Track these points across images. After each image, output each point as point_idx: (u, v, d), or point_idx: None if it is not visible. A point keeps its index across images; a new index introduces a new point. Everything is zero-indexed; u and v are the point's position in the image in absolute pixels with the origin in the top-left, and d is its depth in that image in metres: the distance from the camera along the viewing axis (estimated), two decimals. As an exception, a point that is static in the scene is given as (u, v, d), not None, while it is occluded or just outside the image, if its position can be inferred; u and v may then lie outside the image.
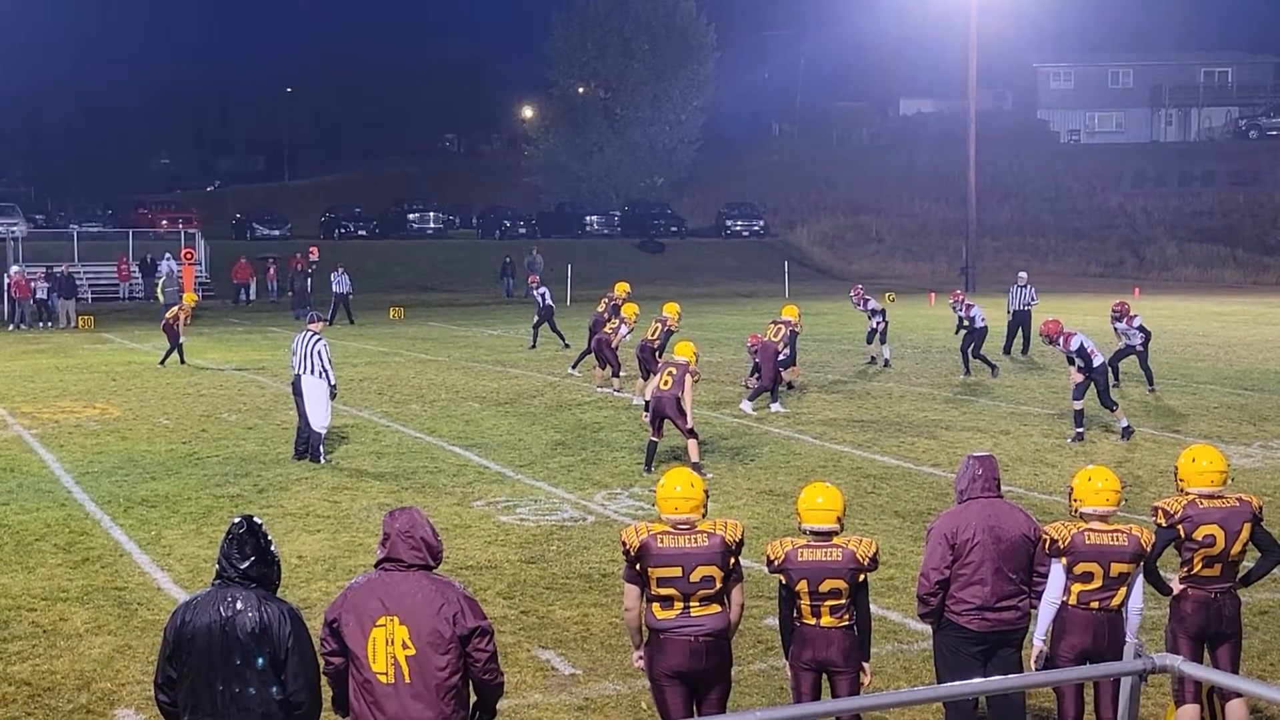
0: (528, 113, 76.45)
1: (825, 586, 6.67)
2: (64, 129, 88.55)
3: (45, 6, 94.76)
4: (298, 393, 15.96)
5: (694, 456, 14.81)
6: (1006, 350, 26.87)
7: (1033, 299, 27.43)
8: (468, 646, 5.54)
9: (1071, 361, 16.91)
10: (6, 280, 39.53)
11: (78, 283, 41.59)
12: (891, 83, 78.58)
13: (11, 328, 37.30)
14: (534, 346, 28.62)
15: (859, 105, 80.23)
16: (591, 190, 68.46)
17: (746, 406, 19.65)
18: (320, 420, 15.90)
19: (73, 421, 19.10)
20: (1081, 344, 16.68)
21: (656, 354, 20.09)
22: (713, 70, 70.79)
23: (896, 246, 62.43)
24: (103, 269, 47.81)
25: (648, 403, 15.40)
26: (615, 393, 21.56)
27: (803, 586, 6.70)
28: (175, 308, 27.48)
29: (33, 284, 38.98)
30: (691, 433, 14.94)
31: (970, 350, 24.17)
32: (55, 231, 53.67)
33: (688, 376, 14.93)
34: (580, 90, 71.27)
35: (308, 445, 15.89)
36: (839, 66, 76.01)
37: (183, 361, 26.28)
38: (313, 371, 15.85)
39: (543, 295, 29.05)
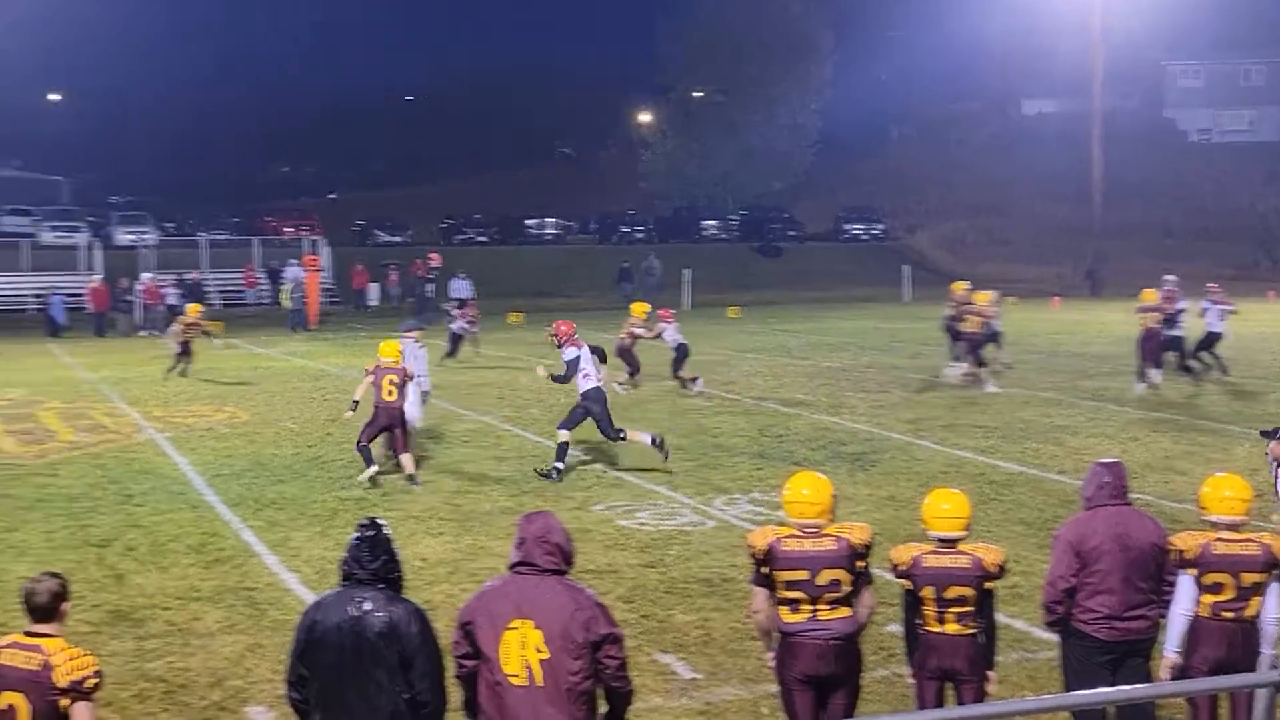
0: (644, 118, 76.61)
1: (951, 593, 6.60)
2: (193, 139, 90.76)
3: (177, 22, 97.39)
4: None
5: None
6: (1194, 358, 23.70)
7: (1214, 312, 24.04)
8: (599, 653, 5.55)
9: None
10: (138, 287, 40.65)
11: (205, 289, 42.63)
12: (1012, 83, 77.37)
13: (143, 333, 38.33)
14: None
15: (978, 106, 79.09)
16: (708, 195, 68.37)
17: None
18: (413, 416, 16.14)
19: (203, 425, 19.57)
20: None
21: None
22: (829, 73, 70.30)
23: (1020, 250, 61.41)
24: (230, 276, 48.92)
25: None
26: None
27: (928, 593, 6.63)
28: (183, 320, 26.82)
29: (163, 291, 40.04)
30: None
31: (1194, 351, 23.30)
32: (185, 239, 54.99)
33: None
34: (696, 95, 71.25)
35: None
36: (957, 67, 74.94)
37: (183, 374, 25.39)
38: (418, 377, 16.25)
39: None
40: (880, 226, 64.40)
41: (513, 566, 5.73)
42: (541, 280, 53.07)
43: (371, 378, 15.10)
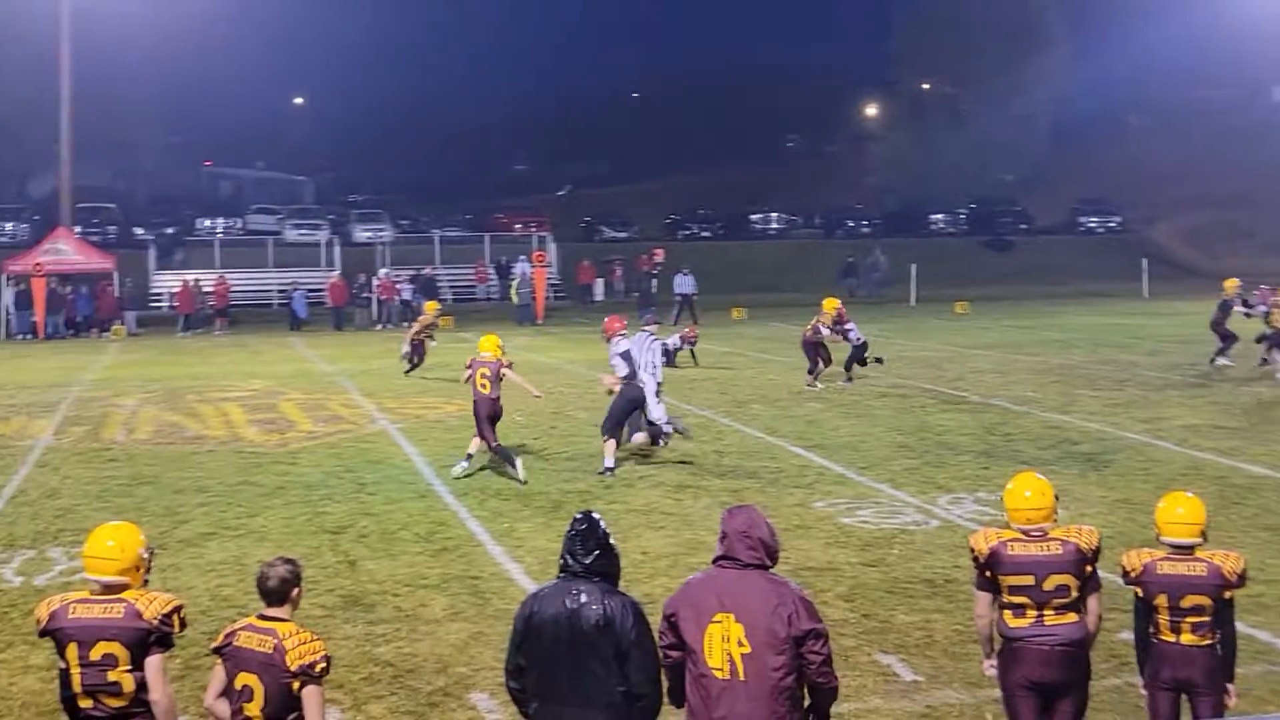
0: (871, 111, 75.61)
1: (1187, 602, 6.29)
2: (430, 139, 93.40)
3: (412, 26, 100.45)
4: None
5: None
6: None
7: None
8: (802, 648, 5.47)
9: None
10: (375, 283, 42.08)
11: (438, 284, 43.86)
12: (1261, 68, 73.64)
13: (379, 327, 39.67)
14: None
15: (1223, 93, 75.55)
16: (937, 188, 67.03)
17: None
18: (656, 413, 16.40)
19: (433, 417, 20.11)
20: None
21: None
22: (1063, 60, 68.07)
23: (1271, 242, 58.47)
24: (462, 271, 50.22)
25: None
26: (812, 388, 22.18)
27: (1162, 601, 6.34)
28: (422, 319, 27.18)
29: (398, 286, 41.36)
30: None
31: None
32: (419, 236, 56.69)
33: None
34: (925, 87, 69.96)
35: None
36: (1198, 53, 71.58)
37: (413, 369, 25.76)
38: (646, 369, 16.31)
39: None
40: (1117, 219, 62.18)
41: (716, 560, 5.70)
42: (765, 275, 52.93)
43: (469, 371, 15.42)
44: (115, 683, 5.61)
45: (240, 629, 5.70)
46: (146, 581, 5.94)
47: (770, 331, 34.20)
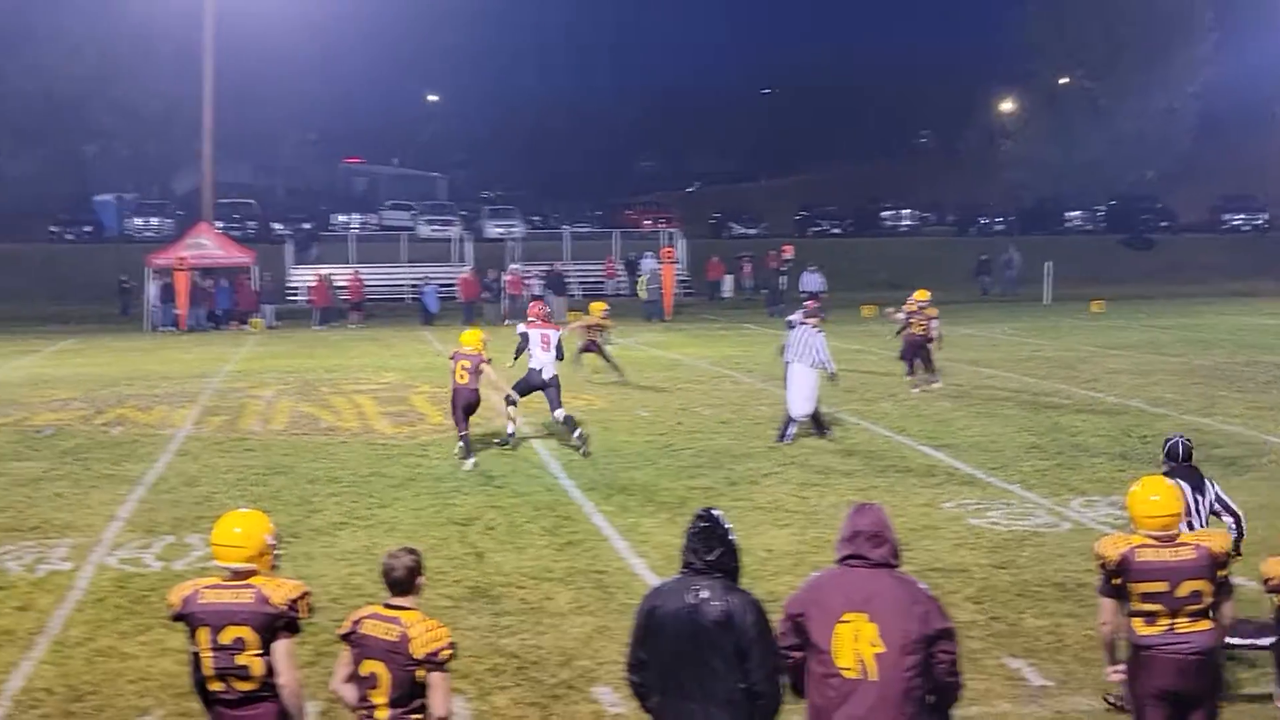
0: (1005, 106, 74.31)
1: None
2: (561, 136, 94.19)
3: (545, 23, 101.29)
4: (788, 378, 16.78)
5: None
6: None
7: None
8: (934, 648, 5.42)
9: None
10: (505, 278, 42.52)
11: (567, 280, 44.14)
12: None
13: (506, 322, 40.06)
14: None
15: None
16: (1073, 185, 65.62)
17: None
18: (799, 408, 16.56)
19: (561, 411, 20.19)
20: None
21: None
22: (1208, 52, 66.13)
23: None
24: (591, 267, 50.49)
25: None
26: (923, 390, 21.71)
27: None
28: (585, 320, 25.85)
29: (527, 281, 41.72)
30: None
31: None
32: (549, 232, 57.19)
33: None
34: (1062, 81, 68.52)
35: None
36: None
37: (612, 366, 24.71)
38: (803, 360, 16.54)
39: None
40: (1264, 216, 60.31)
41: (843, 559, 5.63)
42: (896, 272, 52.30)
43: (451, 363, 16.28)
44: (244, 666, 5.74)
45: (366, 616, 5.79)
46: (276, 568, 6.06)
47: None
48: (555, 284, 42.11)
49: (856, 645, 5.43)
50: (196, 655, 5.82)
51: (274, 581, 5.89)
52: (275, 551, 6.08)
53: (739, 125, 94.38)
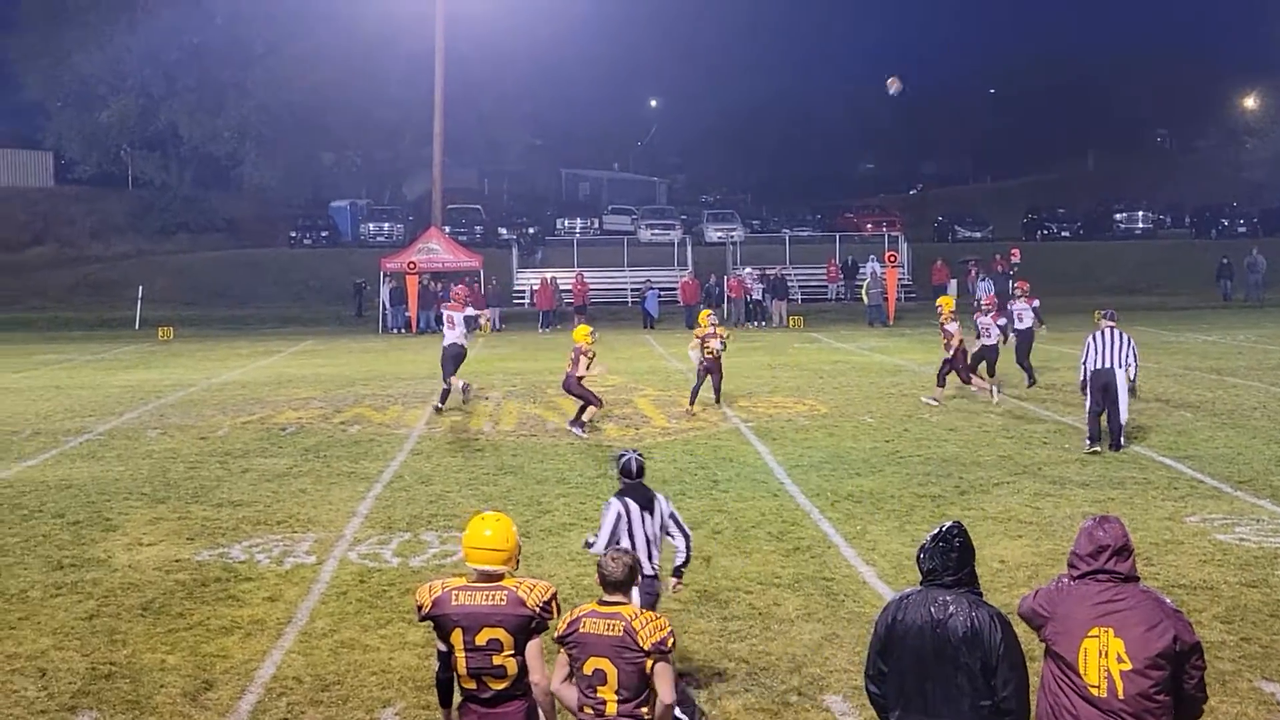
0: (1248, 102, 71.03)
1: None
2: (779, 139, 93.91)
3: (758, 26, 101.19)
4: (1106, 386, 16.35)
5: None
6: None
7: None
8: (1186, 664, 5.28)
9: None
10: (726, 281, 42.57)
11: (788, 284, 43.95)
12: None
13: (737, 325, 40.09)
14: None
15: None
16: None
17: None
18: (1125, 413, 16.45)
19: (784, 417, 20.14)
20: None
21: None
22: None
23: None
24: (812, 271, 50.18)
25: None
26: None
27: None
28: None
29: (748, 286, 41.67)
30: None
31: None
32: (769, 236, 57.06)
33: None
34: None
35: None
36: None
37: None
38: (1123, 365, 16.37)
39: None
40: None
41: (1086, 573, 5.46)
42: (1131, 276, 50.64)
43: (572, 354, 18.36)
44: (500, 666, 5.86)
45: (584, 616, 5.84)
46: (516, 569, 6.17)
47: (1135, 335, 32.56)
48: (776, 288, 41.98)
49: (1104, 661, 5.29)
50: (446, 655, 5.95)
51: (526, 583, 6.00)
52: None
53: (964, 125, 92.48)
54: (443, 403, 21.35)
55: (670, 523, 8.42)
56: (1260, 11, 66.31)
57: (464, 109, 56.07)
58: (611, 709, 5.74)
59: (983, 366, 22.21)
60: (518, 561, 6.12)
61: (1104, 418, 16.50)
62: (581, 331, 18.86)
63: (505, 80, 64.14)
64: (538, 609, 5.90)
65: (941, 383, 21.22)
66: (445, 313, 22.40)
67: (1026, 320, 23.01)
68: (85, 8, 59.87)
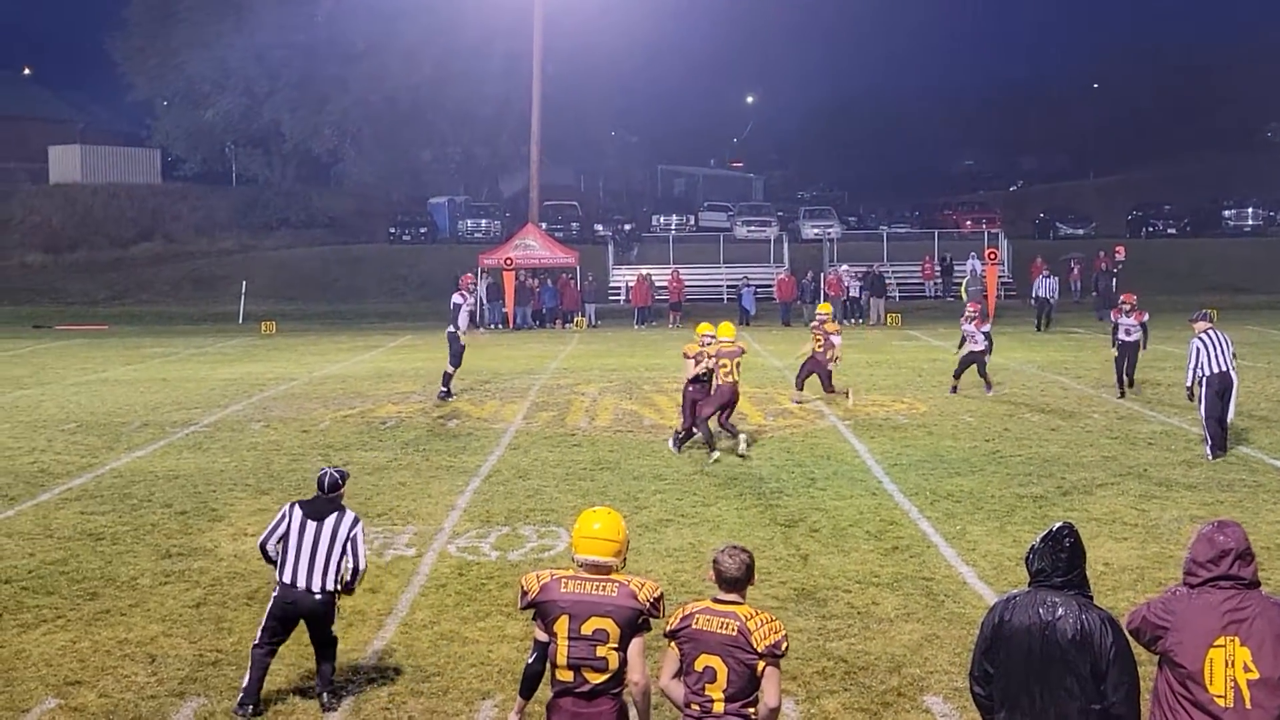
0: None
1: None
2: (876, 135, 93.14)
3: (858, 21, 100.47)
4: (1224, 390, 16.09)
5: None
6: None
7: None
8: None
9: None
10: (824, 278, 42.32)
11: (886, 281, 43.58)
12: None
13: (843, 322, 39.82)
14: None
15: None
16: None
17: None
18: (1232, 413, 16.28)
19: (882, 414, 19.98)
20: None
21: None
22: None
23: None
24: (909, 268, 49.72)
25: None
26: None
27: None
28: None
29: (845, 283, 41.40)
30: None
31: None
32: (866, 233, 56.65)
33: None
34: None
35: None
36: None
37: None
38: (1229, 365, 16.09)
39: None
40: None
41: (1207, 580, 5.32)
42: (1239, 274, 49.50)
43: (712, 360, 16.60)
44: (603, 658, 5.84)
45: (698, 612, 5.81)
46: (624, 565, 6.15)
47: (1244, 335, 31.90)
48: (874, 285, 41.66)
49: (1230, 671, 5.16)
50: (546, 645, 5.95)
51: (637, 579, 5.99)
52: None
53: (1066, 120, 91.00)
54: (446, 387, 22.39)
55: (349, 545, 8.20)
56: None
57: (561, 106, 56.26)
58: (719, 708, 5.71)
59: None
60: (625, 558, 6.11)
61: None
62: (729, 328, 17.38)
63: (602, 78, 64.35)
64: (648, 604, 5.88)
65: (799, 385, 21.66)
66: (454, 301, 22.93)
67: (1134, 335, 21.57)
68: (192, 8, 61.15)
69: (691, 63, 79.66)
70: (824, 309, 22.45)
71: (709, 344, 16.81)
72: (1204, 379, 15.94)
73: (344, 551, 8.21)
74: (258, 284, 49.76)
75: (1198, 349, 16.10)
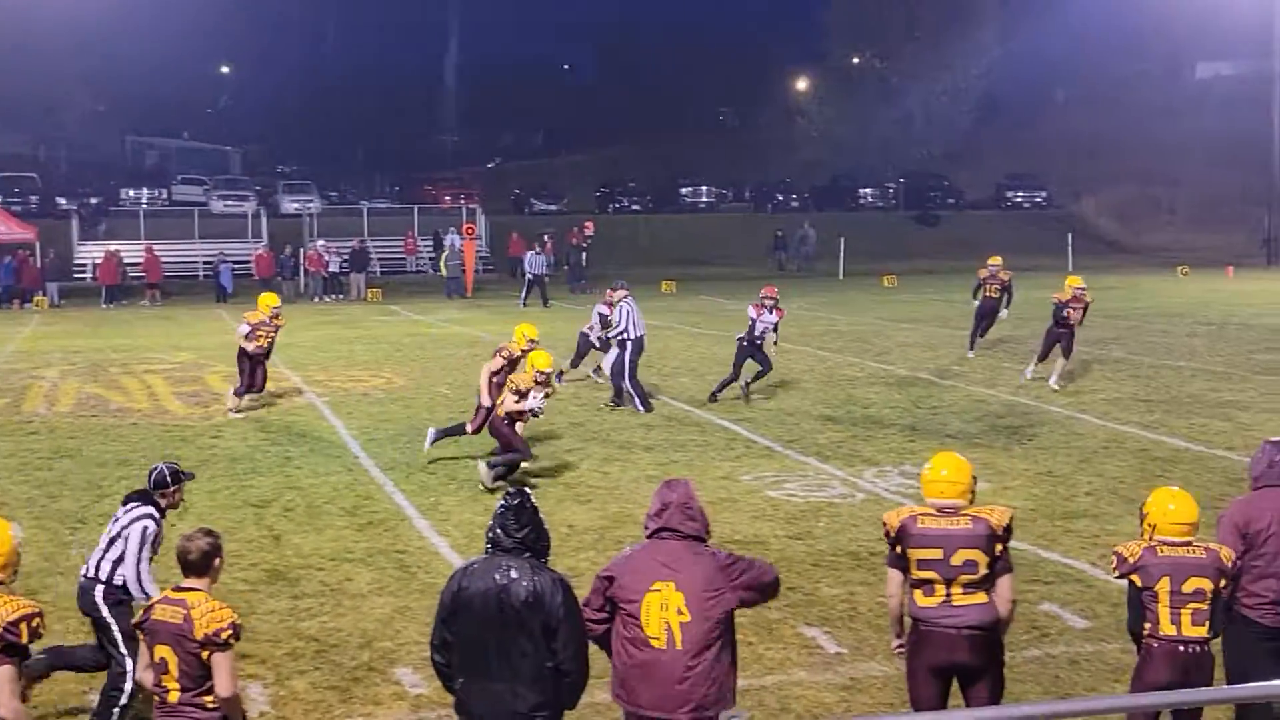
0: (801, 85, 75.61)
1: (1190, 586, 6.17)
2: (357, 111, 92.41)
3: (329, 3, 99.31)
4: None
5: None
6: None
7: None
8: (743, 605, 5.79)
9: None
10: (303, 254, 41.65)
11: (370, 256, 43.43)
12: (1186, 45, 74.51)
13: (316, 300, 39.27)
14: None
15: (1148, 69, 76.40)
16: (866, 163, 67.28)
17: None
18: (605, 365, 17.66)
19: (360, 390, 19.96)
20: None
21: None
22: (993, 36, 68.42)
23: (1191, 218, 59.42)
24: (391, 243, 49.79)
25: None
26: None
27: (1164, 586, 6.19)
28: None
29: (325, 258, 40.92)
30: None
31: None
32: (347, 208, 56.22)
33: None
34: (855, 60, 70.08)
35: None
36: (1127, 29, 72.42)
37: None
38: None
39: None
40: (1043, 194, 62.96)
41: (655, 533, 5.78)
42: (695, 248, 52.98)
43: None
44: None
45: (157, 603, 5.75)
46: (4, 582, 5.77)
47: (700, 305, 34.27)
48: (358, 260, 41.42)
49: (664, 614, 5.61)
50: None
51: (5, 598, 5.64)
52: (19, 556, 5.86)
53: (540, 100, 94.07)
54: None
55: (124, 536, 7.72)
56: (805, 3, 70.63)
57: (14, 69, 52.08)
58: (174, 697, 5.68)
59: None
60: (17, 571, 5.82)
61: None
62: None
63: (61, 38, 60.02)
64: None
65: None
66: None
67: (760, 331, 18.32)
68: None
69: (161, 26, 75.77)
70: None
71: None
72: (630, 341, 17.67)
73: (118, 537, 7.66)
74: None
75: (627, 312, 17.85)
